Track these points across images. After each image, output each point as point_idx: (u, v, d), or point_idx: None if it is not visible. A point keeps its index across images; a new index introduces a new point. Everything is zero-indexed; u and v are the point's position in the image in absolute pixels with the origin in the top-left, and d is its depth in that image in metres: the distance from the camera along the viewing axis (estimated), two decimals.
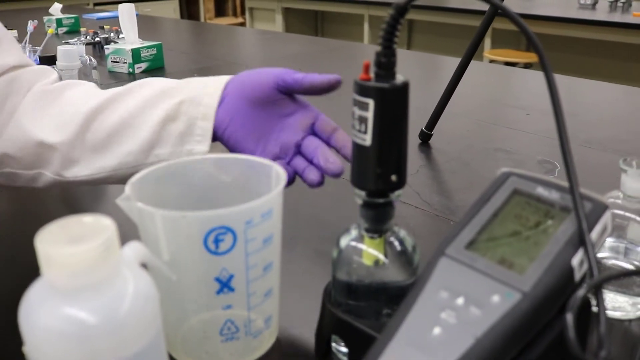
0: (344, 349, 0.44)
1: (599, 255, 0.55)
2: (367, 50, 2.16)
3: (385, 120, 0.38)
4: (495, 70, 1.71)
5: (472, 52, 0.91)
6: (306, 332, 0.49)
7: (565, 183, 0.36)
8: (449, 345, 0.31)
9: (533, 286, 0.32)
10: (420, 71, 1.77)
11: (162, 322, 0.34)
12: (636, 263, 0.53)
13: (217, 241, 0.39)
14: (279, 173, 0.43)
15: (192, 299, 0.44)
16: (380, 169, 0.38)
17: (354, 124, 0.39)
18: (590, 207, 0.35)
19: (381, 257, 0.42)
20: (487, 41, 3.85)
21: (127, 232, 0.43)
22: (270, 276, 0.45)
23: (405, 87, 0.38)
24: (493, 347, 0.30)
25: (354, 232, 0.43)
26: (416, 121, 0.99)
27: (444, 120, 0.97)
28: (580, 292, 0.31)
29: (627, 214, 0.52)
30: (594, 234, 0.34)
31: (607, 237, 0.36)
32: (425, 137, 0.96)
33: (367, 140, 0.38)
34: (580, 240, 0.33)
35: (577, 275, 0.33)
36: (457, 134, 1.04)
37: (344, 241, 0.43)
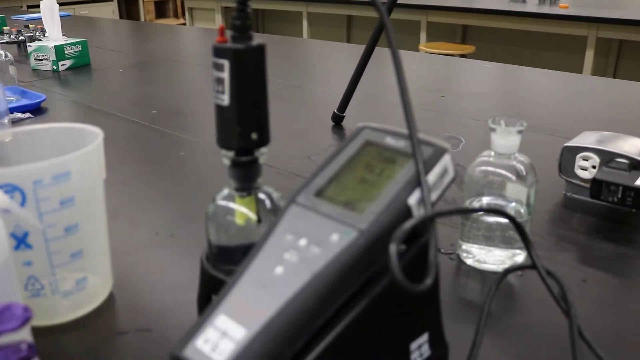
0: None
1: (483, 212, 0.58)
2: (307, 44, 2.18)
3: (240, 80, 0.39)
4: (423, 59, 1.75)
5: (376, 38, 0.94)
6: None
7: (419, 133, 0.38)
8: (288, 282, 0.33)
9: (370, 224, 0.34)
10: (353, 62, 1.80)
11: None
12: None
13: None
14: (94, 133, 0.45)
15: None
16: (240, 128, 0.40)
17: (213, 86, 0.40)
18: (430, 151, 0.37)
19: (251, 215, 0.43)
20: (423, 35, 3.93)
21: None
22: (77, 237, 0.47)
23: (260, 48, 0.40)
24: (329, 281, 0.32)
25: (225, 192, 0.44)
26: (335, 106, 1.02)
27: (360, 104, 0.99)
28: (407, 225, 0.33)
29: (501, 171, 0.55)
30: (432, 176, 0.36)
31: (449, 180, 0.38)
32: (337, 119, 0.98)
33: (225, 100, 0.39)
34: (417, 180, 0.35)
35: (416, 214, 0.35)
36: (372, 117, 1.07)
37: (217, 200, 0.44)
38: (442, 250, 0.60)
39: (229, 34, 0.40)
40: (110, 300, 0.53)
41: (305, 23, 4.53)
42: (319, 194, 0.37)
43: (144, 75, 1.52)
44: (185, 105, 1.19)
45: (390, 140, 0.39)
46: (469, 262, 0.57)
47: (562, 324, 0.48)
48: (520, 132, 0.53)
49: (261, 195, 0.44)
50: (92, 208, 0.49)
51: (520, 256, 0.57)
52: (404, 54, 1.73)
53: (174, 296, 0.53)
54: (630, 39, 3.24)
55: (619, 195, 0.63)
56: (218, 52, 0.39)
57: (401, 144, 0.38)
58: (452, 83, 1.38)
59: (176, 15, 6.51)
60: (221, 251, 0.45)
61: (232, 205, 0.43)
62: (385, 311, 0.35)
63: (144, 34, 2.46)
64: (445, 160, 0.37)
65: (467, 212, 0.48)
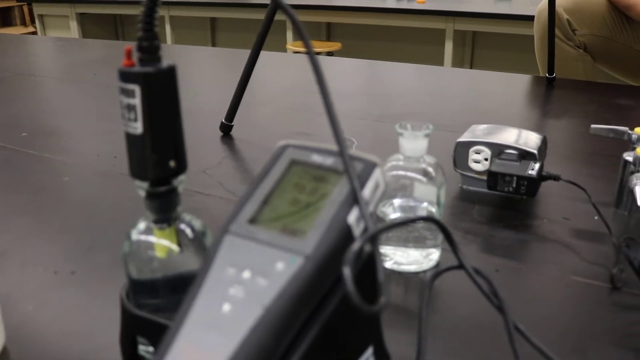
0: (152, 349, 0.42)
1: (394, 215, 0.58)
2: (172, 50, 2.10)
3: (154, 106, 0.36)
4: (295, 60, 1.75)
5: (260, 43, 0.92)
6: (114, 340, 0.47)
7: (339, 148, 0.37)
8: (239, 319, 0.31)
9: (314, 248, 0.33)
10: (224, 66, 1.77)
11: None
12: None
13: None
14: None
15: None
16: (156, 156, 0.37)
17: (123, 114, 0.37)
18: (361, 167, 0.37)
19: (173, 246, 0.41)
20: (289, 34, 3.95)
21: None
22: None
23: (171, 70, 0.37)
24: (282, 312, 0.31)
25: (142, 225, 0.41)
26: (220, 114, 0.99)
27: (247, 111, 0.97)
28: (355, 246, 0.32)
29: (410, 174, 0.56)
30: (367, 191, 0.36)
31: (381, 193, 0.38)
32: (226, 129, 0.96)
33: (138, 128, 0.37)
34: (354, 198, 0.35)
35: (356, 232, 0.35)
36: (259, 123, 1.06)
37: (134, 236, 0.41)
38: None
39: (135, 56, 0.37)
40: (5, 357, 0.47)
41: (168, 27, 4.40)
42: (253, 220, 0.35)
43: (4, 93, 1.40)
44: (57, 125, 1.11)
45: (317, 158, 0.38)
46: (388, 265, 0.58)
47: (490, 317, 0.49)
48: (426, 135, 0.54)
49: (181, 226, 0.41)
50: None
51: (435, 254, 0.58)
52: (273, 55, 1.72)
53: (90, 342, 0.49)
54: (482, 30, 3.46)
55: (514, 185, 0.67)
56: (126, 76, 0.36)
57: (329, 161, 0.38)
58: (335, 83, 1.39)
59: (24, 23, 6.08)
60: (144, 287, 0.42)
61: (151, 238, 0.41)
62: (334, 332, 0.35)
63: None
64: (377, 175, 0.37)
65: (406, 223, 0.48)
